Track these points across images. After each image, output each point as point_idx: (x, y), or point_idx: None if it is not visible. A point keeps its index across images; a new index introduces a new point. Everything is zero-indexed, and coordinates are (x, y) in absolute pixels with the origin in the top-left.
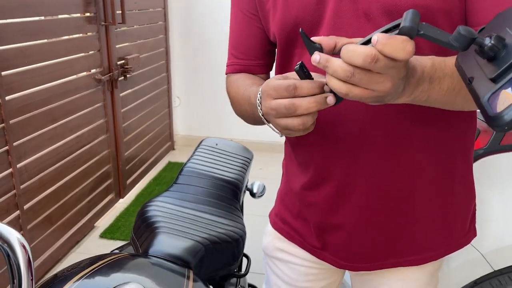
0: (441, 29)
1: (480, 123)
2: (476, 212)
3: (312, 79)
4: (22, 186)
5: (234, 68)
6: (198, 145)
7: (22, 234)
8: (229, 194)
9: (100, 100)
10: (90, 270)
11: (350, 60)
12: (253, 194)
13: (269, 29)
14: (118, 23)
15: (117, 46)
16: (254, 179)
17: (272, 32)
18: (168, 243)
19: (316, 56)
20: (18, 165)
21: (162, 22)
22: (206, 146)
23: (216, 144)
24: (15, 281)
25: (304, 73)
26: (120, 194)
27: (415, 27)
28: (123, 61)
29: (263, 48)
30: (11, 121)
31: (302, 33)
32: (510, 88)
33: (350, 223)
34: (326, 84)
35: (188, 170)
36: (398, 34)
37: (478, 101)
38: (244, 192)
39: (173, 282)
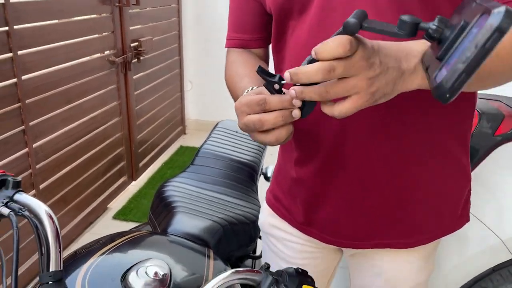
0: (388, 23)
1: (505, 107)
2: (496, 198)
3: (274, 77)
4: (37, 166)
5: (232, 42)
6: (214, 127)
7: None
8: (245, 176)
9: (113, 82)
10: (112, 247)
11: (313, 79)
12: (267, 178)
13: (265, 1)
14: (132, 4)
15: (130, 28)
16: (265, 164)
17: (267, 5)
18: (186, 222)
19: (287, 75)
20: (34, 145)
21: (175, 5)
22: (223, 128)
23: (232, 127)
24: (43, 252)
25: (274, 88)
26: (133, 177)
27: (357, 21)
28: (136, 43)
29: (260, 21)
30: (27, 101)
31: (258, 70)
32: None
33: (336, 199)
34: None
35: (204, 152)
36: (342, 30)
37: (430, 83)
38: (260, 175)
39: (194, 260)
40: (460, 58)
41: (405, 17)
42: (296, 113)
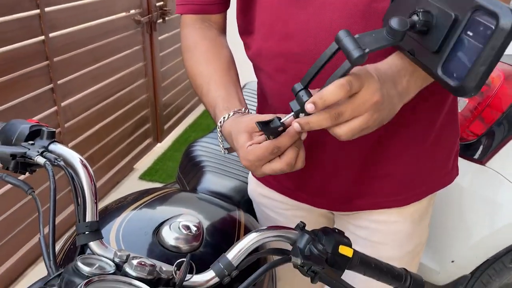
0: (374, 31)
1: None
2: None
3: (274, 123)
4: (66, 125)
5: (187, 8)
6: (241, 89)
7: None
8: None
9: (139, 43)
10: (143, 202)
11: (323, 126)
12: None
13: None
14: None
15: None
16: None
17: None
18: (215, 182)
19: (298, 126)
20: (63, 104)
21: None
22: (250, 89)
23: None
24: (79, 202)
25: (277, 131)
26: (158, 139)
27: (361, 53)
28: (161, 2)
29: None
30: (55, 59)
31: (259, 125)
32: (459, 54)
33: (325, 161)
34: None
35: None
36: (350, 66)
37: (433, 75)
38: None
39: (225, 217)
40: (479, 61)
41: (396, 25)
42: (304, 136)
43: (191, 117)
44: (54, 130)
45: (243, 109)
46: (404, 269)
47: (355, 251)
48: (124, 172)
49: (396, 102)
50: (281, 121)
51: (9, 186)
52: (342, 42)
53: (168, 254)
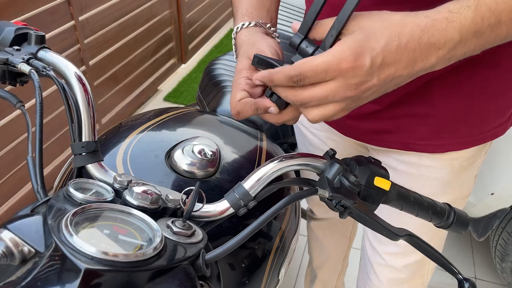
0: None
1: None
2: None
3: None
4: (85, 41)
5: None
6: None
7: None
8: None
9: None
10: (157, 122)
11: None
12: None
13: None
14: None
15: None
16: None
17: None
18: None
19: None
20: (80, 18)
21: None
22: (285, 3)
23: (296, 3)
24: (73, 119)
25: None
26: (182, 59)
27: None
28: None
29: None
30: None
31: (255, 62)
32: None
33: None
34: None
35: None
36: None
37: None
38: None
39: (245, 142)
40: None
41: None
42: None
43: (216, 37)
44: (43, 34)
45: (269, 24)
46: (448, 204)
47: (392, 184)
48: (148, 93)
49: (402, 81)
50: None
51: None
52: None
53: (180, 180)
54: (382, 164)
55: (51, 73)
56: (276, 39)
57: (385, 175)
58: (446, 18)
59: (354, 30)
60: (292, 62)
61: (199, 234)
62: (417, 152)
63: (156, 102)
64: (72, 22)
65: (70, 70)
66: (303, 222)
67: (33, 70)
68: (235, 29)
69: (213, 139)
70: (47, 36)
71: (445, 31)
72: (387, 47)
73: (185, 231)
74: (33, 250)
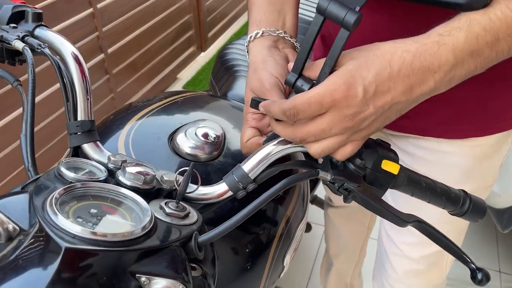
0: None
1: None
2: None
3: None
4: (104, 29)
5: None
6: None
7: (108, 79)
8: None
9: None
10: (162, 104)
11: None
12: None
13: None
14: None
15: None
16: None
17: None
18: None
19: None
20: (99, 5)
21: None
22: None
23: None
24: (69, 98)
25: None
26: (202, 48)
27: (357, 15)
28: None
29: None
30: None
31: (253, 105)
32: None
33: None
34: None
35: None
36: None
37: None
38: None
39: None
40: None
41: None
42: None
43: (236, 24)
44: (40, 11)
45: (279, 31)
46: (463, 190)
47: (402, 168)
48: (168, 81)
49: (402, 107)
50: None
51: None
52: (328, 10)
53: (182, 163)
54: (394, 148)
55: (46, 50)
56: (289, 40)
57: (394, 159)
58: (437, 41)
59: (344, 63)
60: None
61: (194, 216)
62: (436, 138)
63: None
64: (91, 10)
65: (67, 48)
66: (313, 210)
67: (26, 47)
68: (246, 39)
69: (220, 122)
70: (65, 24)
71: (437, 54)
72: (379, 76)
73: (178, 212)
74: (18, 228)
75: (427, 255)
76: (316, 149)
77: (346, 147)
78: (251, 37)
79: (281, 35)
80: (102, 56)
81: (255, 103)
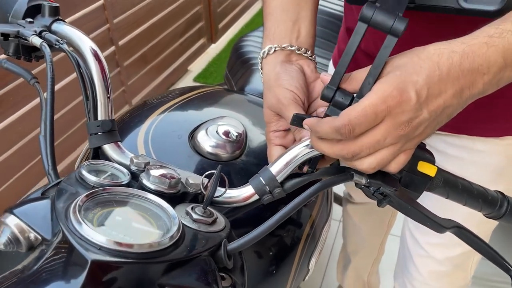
0: None
1: None
2: None
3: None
4: (115, 21)
5: None
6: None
7: (119, 71)
8: (334, 31)
9: None
10: (181, 100)
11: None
12: None
13: None
14: None
15: None
16: None
17: None
18: None
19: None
20: None
21: None
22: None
23: None
24: (88, 96)
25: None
26: (212, 39)
27: (405, 22)
28: None
29: None
30: None
31: (293, 122)
32: None
33: None
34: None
35: None
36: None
37: (455, 10)
38: None
39: None
40: None
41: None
42: None
43: (247, 15)
44: (57, 5)
45: (293, 47)
46: (500, 192)
47: (439, 169)
48: (179, 74)
49: (453, 111)
50: None
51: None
52: (374, 18)
53: (204, 163)
54: (428, 148)
55: (64, 46)
56: (303, 56)
57: (431, 160)
58: (486, 43)
59: (389, 71)
60: (327, 116)
61: (221, 222)
62: (470, 136)
63: (186, 83)
64: (101, 1)
65: (85, 44)
66: (333, 208)
67: (44, 43)
68: (260, 55)
69: (240, 119)
70: (76, 16)
71: (486, 56)
72: (429, 79)
73: (205, 218)
74: (40, 238)
75: (453, 256)
76: (370, 163)
77: (400, 157)
78: (264, 53)
79: (295, 51)
80: (113, 48)
81: (298, 120)
